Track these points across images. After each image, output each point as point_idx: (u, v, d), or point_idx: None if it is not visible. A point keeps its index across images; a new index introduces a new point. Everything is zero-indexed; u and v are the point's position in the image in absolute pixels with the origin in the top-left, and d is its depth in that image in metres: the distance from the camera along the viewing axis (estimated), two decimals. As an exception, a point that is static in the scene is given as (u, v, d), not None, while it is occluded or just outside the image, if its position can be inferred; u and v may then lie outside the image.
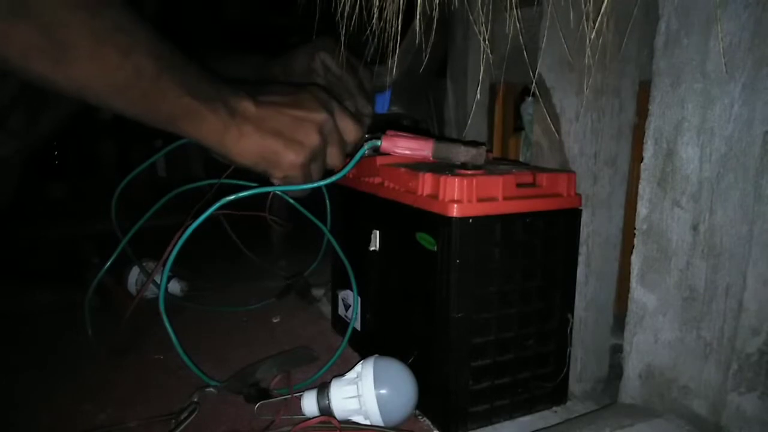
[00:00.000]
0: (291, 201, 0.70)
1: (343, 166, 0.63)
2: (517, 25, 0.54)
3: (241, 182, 0.75)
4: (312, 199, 0.74)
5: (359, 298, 0.73)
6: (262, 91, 0.59)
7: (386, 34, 0.57)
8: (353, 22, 0.56)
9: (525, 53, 0.57)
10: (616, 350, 0.67)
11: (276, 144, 0.57)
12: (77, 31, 0.46)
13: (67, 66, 0.46)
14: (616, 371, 0.66)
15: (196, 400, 0.62)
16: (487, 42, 0.54)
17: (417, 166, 0.62)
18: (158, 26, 0.52)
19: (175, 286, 0.95)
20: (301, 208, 0.73)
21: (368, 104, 0.79)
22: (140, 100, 0.51)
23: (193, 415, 0.59)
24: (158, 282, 0.89)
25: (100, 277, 0.75)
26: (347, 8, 0.55)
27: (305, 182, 0.61)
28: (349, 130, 0.62)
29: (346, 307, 0.77)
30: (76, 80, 0.48)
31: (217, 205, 0.59)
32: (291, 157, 0.58)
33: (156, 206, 0.78)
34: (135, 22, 0.50)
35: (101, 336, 0.74)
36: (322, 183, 0.62)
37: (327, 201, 0.79)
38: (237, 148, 0.56)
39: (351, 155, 0.64)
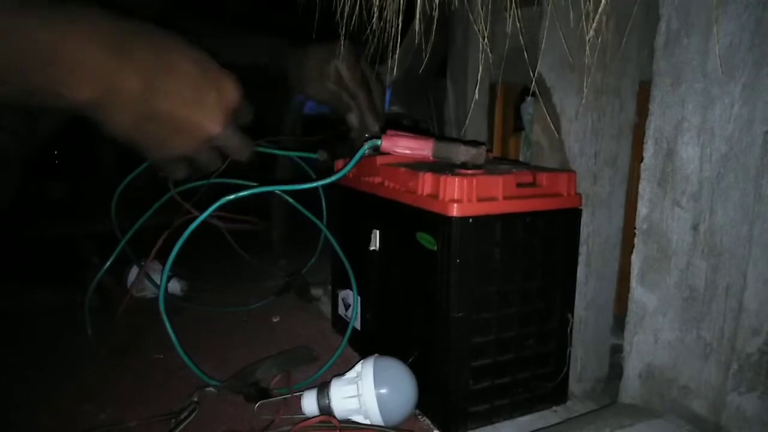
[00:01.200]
0: (290, 200, 0.70)
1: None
2: (517, 24, 0.54)
3: (240, 182, 0.75)
4: (309, 198, 0.74)
5: (359, 298, 0.73)
6: (174, 64, 0.50)
7: (386, 34, 0.57)
8: (353, 21, 0.56)
9: (525, 53, 0.57)
10: (616, 350, 0.67)
11: (144, 139, 0.52)
12: None
13: None
14: (616, 371, 0.66)
15: (196, 399, 0.62)
16: (486, 42, 0.54)
17: (417, 165, 0.62)
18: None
19: (174, 286, 0.95)
20: (301, 208, 0.73)
21: (376, 123, 0.77)
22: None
23: (193, 415, 0.59)
24: (153, 279, 0.90)
25: (100, 277, 0.75)
26: (347, 8, 0.55)
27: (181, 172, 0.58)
28: (234, 149, 0.57)
29: (346, 306, 0.77)
30: None
31: (218, 204, 0.59)
32: (154, 155, 0.54)
33: (156, 205, 0.78)
34: None
35: (101, 336, 0.74)
36: (321, 183, 0.62)
37: (323, 199, 0.79)
38: (107, 124, 0.50)
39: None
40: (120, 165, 2.02)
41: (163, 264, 0.59)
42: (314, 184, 0.62)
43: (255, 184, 0.63)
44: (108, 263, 0.76)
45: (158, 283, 0.93)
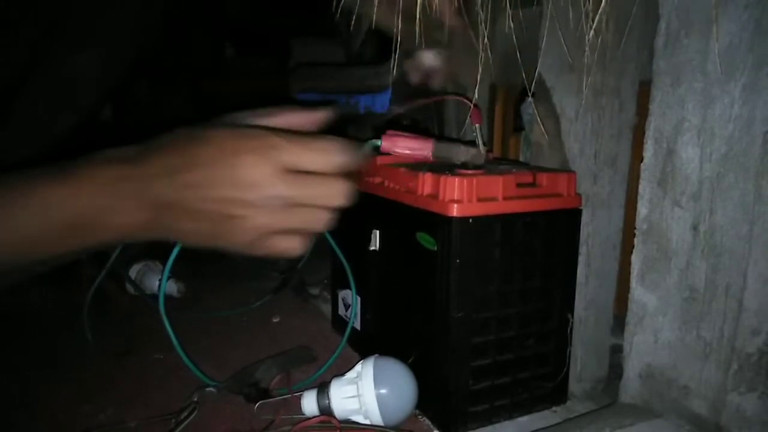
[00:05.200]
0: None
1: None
2: (516, 24, 0.53)
3: None
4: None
5: (359, 298, 0.73)
6: (179, 166, 0.41)
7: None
8: (353, 21, 0.56)
9: (525, 53, 0.57)
10: (616, 350, 0.67)
11: (209, 236, 0.42)
12: None
13: None
14: (616, 371, 0.66)
15: (196, 399, 0.62)
16: (487, 42, 0.54)
17: (417, 165, 0.62)
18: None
19: (171, 287, 0.94)
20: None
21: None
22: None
23: (193, 415, 0.59)
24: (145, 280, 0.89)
25: (99, 282, 0.75)
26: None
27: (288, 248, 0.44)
28: (323, 194, 0.43)
29: (347, 306, 0.77)
30: None
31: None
32: (237, 240, 0.42)
33: None
34: None
35: (101, 337, 0.74)
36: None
37: None
38: (179, 237, 0.45)
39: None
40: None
41: (163, 264, 0.59)
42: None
43: None
44: (107, 265, 0.75)
45: (145, 282, 0.93)
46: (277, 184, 0.41)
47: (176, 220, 0.42)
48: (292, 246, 0.44)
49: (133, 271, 0.95)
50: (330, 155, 0.43)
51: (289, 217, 0.42)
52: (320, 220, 0.44)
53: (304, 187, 0.42)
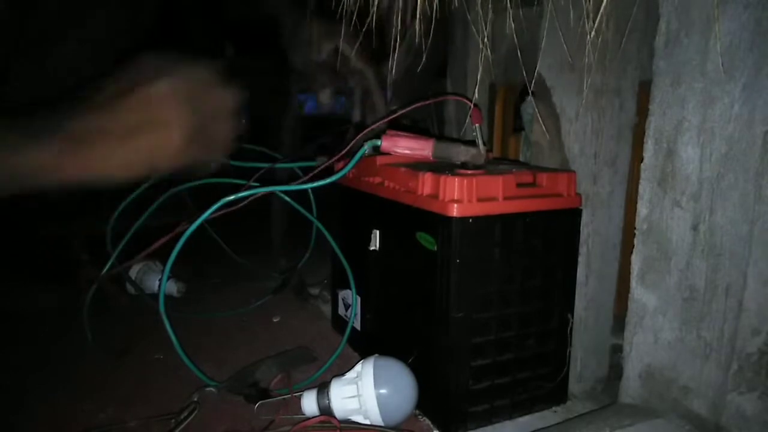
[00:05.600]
0: (289, 200, 0.70)
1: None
2: (517, 24, 0.53)
3: (240, 182, 0.75)
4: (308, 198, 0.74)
5: (359, 298, 0.73)
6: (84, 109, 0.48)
7: (386, 34, 0.57)
8: (353, 21, 0.56)
9: (525, 53, 0.57)
10: (616, 350, 0.67)
11: (143, 140, 0.48)
12: None
13: None
14: (616, 371, 0.66)
15: (196, 399, 0.62)
16: (487, 42, 0.54)
17: (417, 165, 0.62)
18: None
19: (171, 287, 0.94)
20: (300, 208, 0.73)
21: (383, 101, 0.81)
22: None
23: (193, 415, 0.59)
24: (145, 279, 0.89)
25: (99, 282, 0.74)
26: (347, 8, 0.55)
27: (195, 162, 0.53)
28: (215, 97, 0.51)
29: (347, 306, 0.77)
30: None
31: (217, 205, 0.58)
32: (174, 142, 0.49)
33: (154, 205, 0.78)
34: None
35: (102, 337, 0.74)
36: (322, 183, 0.62)
37: (311, 197, 0.80)
38: (107, 168, 0.48)
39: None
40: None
41: (164, 265, 0.59)
42: (314, 185, 0.62)
43: (255, 184, 0.63)
44: (108, 265, 0.75)
45: (145, 283, 0.93)
46: (182, 94, 0.49)
47: (106, 142, 0.47)
48: (216, 149, 0.53)
49: (133, 271, 0.94)
50: (209, 71, 0.52)
51: (205, 122, 0.50)
52: (228, 125, 0.52)
53: (206, 92, 0.50)
